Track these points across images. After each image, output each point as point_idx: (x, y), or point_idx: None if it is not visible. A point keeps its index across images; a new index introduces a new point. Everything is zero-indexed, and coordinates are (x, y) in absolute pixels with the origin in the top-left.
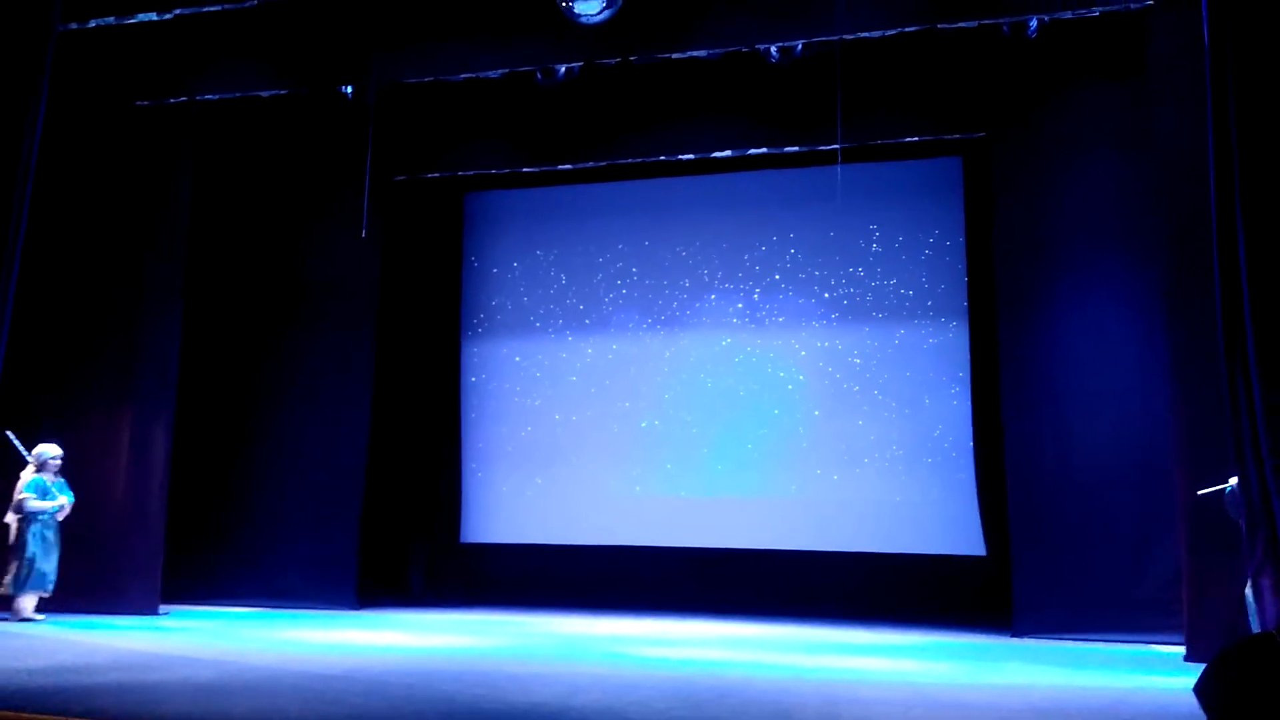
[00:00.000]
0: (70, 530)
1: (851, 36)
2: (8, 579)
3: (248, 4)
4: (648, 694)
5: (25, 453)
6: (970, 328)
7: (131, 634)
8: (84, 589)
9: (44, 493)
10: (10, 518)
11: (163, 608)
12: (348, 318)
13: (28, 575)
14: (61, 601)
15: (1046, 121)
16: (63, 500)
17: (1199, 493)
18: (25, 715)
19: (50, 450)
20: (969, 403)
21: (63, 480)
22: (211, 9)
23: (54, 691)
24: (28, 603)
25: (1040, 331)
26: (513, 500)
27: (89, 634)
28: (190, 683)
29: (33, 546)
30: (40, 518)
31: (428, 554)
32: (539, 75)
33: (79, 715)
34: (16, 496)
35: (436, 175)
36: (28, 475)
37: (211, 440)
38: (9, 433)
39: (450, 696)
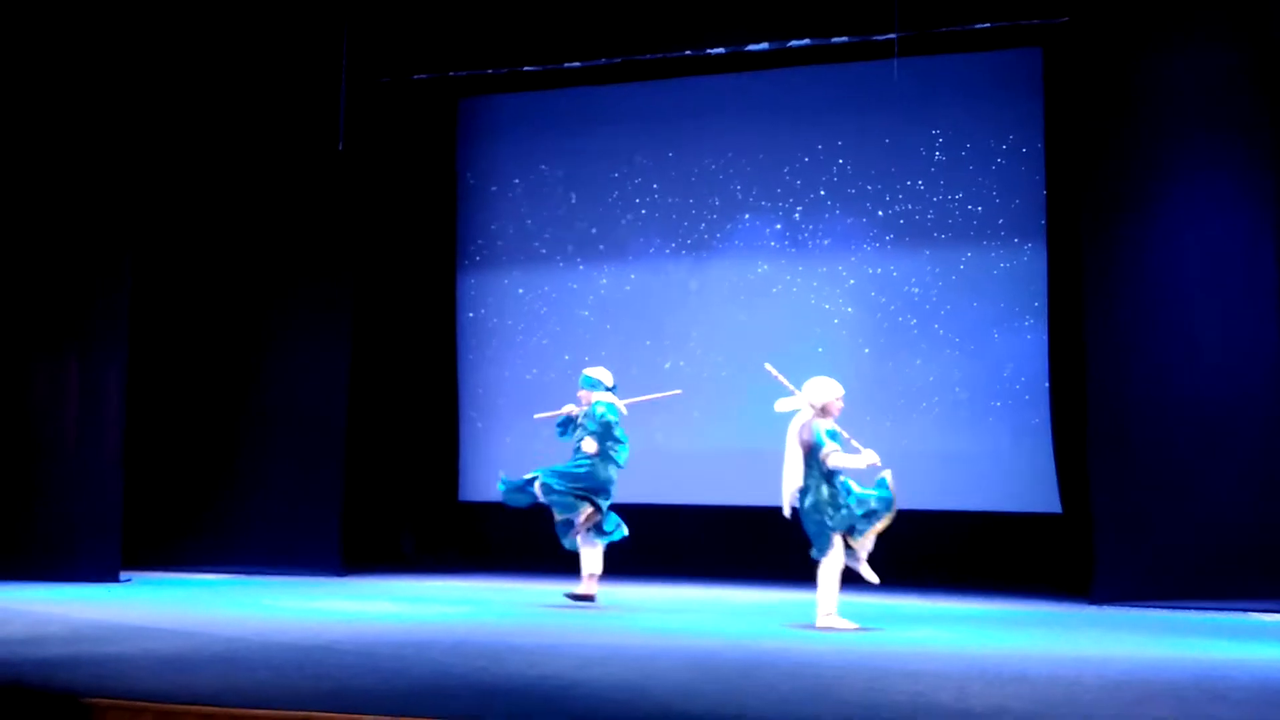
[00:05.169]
0: (18, 487)
1: None
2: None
3: None
4: (668, 665)
5: (792, 388)
6: (1049, 250)
7: (88, 603)
8: (35, 553)
9: (844, 444)
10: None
11: (123, 574)
12: (323, 245)
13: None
14: (11, 568)
15: (1143, 4)
16: (874, 457)
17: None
18: None
19: (832, 390)
20: (1045, 337)
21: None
22: None
23: (2, 665)
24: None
25: (1133, 252)
26: (517, 453)
27: (41, 602)
28: (152, 655)
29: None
30: (844, 478)
31: (422, 514)
32: None
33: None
34: (823, 450)
35: (425, 77)
36: (809, 423)
37: (176, 393)
38: (769, 365)
39: (447, 669)
